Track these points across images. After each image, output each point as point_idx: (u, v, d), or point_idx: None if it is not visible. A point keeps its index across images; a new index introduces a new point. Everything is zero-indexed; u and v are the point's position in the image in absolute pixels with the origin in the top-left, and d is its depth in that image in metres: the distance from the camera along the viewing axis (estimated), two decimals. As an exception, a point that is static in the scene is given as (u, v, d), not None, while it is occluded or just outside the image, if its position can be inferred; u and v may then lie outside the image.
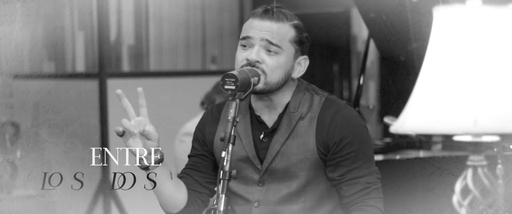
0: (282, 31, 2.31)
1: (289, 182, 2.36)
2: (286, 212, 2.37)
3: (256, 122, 2.41)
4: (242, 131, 2.40)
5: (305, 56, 2.39)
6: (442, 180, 3.45)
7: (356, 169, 2.33)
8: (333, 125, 2.33)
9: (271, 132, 2.38)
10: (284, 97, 2.38)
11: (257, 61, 2.29)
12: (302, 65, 2.38)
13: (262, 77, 2.29)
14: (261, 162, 2.38)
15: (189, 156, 2.52)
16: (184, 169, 2.51)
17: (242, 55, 2.32)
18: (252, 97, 2.41)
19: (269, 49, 2.30)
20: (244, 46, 2.33)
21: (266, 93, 2.34)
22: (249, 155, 2.38)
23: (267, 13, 2.32)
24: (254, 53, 2.30)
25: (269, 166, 2.36)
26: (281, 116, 2.38)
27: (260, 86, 2.29)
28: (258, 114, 2.41)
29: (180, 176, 2.48)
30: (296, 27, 2.35)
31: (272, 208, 2.37)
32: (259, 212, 2.38)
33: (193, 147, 2.52)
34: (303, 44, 2.36)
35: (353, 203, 2.33)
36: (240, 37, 2.35)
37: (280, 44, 2.30)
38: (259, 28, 2.31)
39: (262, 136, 2.39)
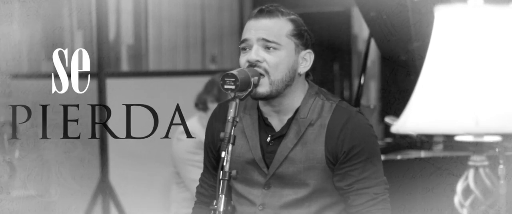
0: (278, 26, 2.30)
1: (295, 188, 2.34)
2: None
3: (263, 124, 2.39)
4: (250, 132, 2.38)
5: (309, 50, 2.36)
6: (442, 180, 3.45)
7: (364, 179, 2.31)
8: (343, 134, 2.31)
9: (279, 136, 2.36)
10: (294, 102, 2.35)
11: (258, 61, 2.28)
12: (307, 59, 2.35)
13: (266, 78, 2.28)
14: (267, 165, 2.36)
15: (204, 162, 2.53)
16: (201, 176, 2.53)
17: (243, 59, 2.32)
18: (260, 101, 2.38)
19: (267, 46, 2.29)
20: (244, 49, 2.33)
21: (275, 96, 2.31)
22: (255, 158, 2.36)
23: (262, 12, 2.32)
24: (253, 53, 2.29)
25: (276, 171, 2.35)
26: (290, 121, 2.35)
27: (266, 88, 2.28)
28: (265, 116, 2.39)
29: (198, 188, 2.52)
30: (292, 21, 2.33)
31: (276, 212, 2.36)
32: (263, 215, 2.37)
33: (204, 151, 2.52)
34: (303, 38, 2.34)
35: (360, 213, 2.32)
36: (240, 42, 2.35)
37: (277, 39, 2.29)
38: (255, 28, 2.31)
39: (269, 139, 2.37)
